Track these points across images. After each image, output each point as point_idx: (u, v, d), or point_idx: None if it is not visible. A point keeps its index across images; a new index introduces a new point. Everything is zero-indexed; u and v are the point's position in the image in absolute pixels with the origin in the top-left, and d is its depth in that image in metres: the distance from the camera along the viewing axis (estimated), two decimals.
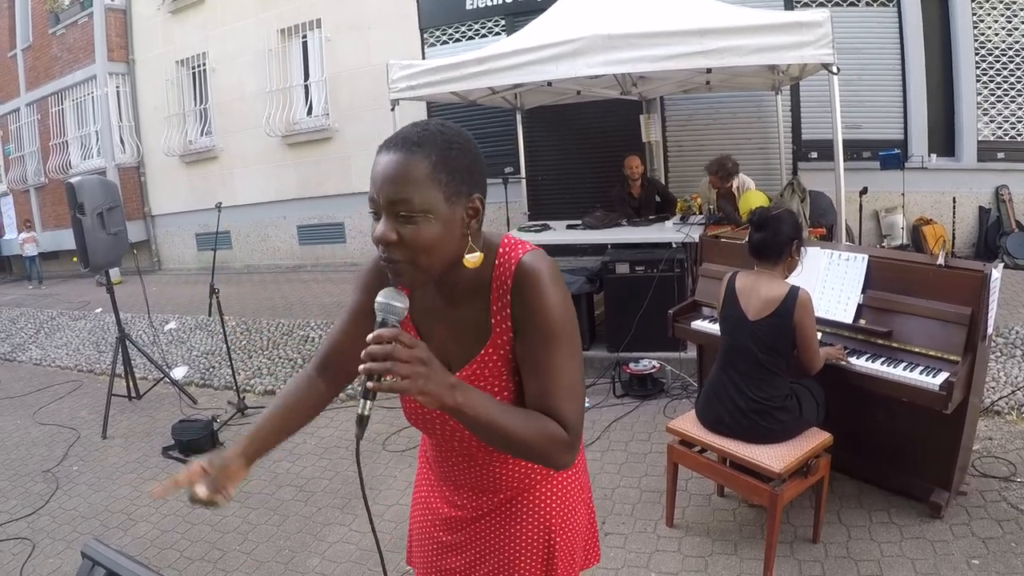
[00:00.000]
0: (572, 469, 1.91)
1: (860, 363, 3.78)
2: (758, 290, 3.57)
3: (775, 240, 3.56)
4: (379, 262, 1.57)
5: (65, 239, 15.95)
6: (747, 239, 3.71)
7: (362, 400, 1.40)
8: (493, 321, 1.65)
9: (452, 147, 1.53)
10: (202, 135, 14.71)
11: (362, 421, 1.42)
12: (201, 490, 1.60)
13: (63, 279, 16.66)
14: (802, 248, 3.66)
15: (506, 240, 1.69)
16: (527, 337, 1.61)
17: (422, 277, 1.54)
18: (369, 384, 1.35)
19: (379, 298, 1.46)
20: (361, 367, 1.35)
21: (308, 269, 13.39)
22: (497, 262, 1.65)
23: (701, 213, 7.62)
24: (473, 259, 1.57)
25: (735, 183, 7.76)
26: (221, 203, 6.80)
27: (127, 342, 6.80)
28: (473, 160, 1.58)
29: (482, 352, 1.67)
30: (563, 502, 1.89)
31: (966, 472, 4.09)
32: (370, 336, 1.37)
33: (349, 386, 1.97)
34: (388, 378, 1.35)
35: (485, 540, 1.90)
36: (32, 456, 6.04)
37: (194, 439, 5.63)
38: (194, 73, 14.55)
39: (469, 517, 1.90)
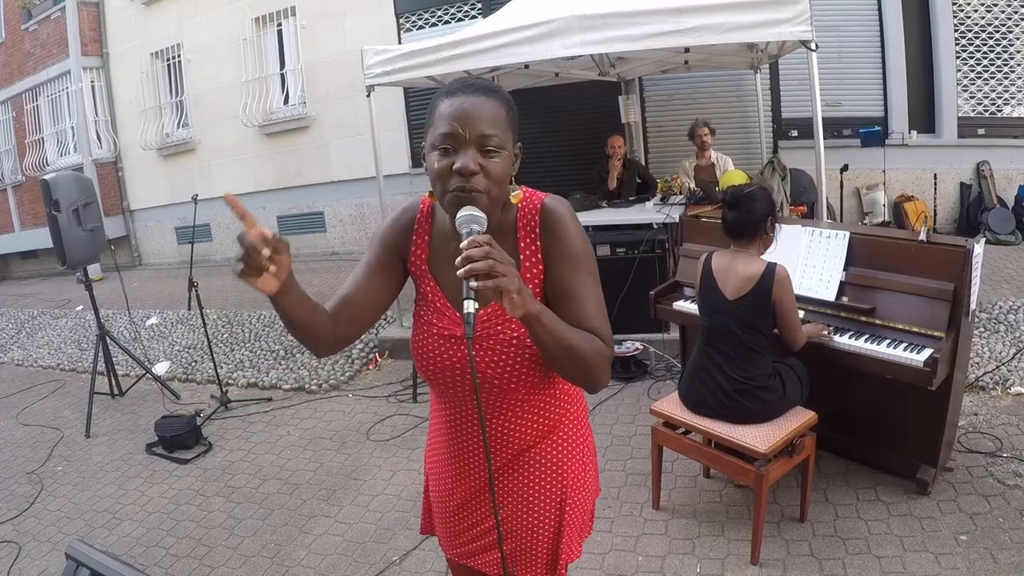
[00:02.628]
0: (580, 426, 2.03)
1: (843, 341, 3.77)
2: (735, 269, 3.55)
3: (749, 218, 3.55)
4: (448, 193, 1.66)
5: (43, 238, 15.77)
6: (721, 218, 3.69)
7: (467, 301, 1.47)
8: (522, 257, 1.81)
9: (511, 101, 1.76)
10: (179, 127, 14.54)
11: (469, 319, 1.48)
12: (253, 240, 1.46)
13: (44, 278, 16.54)
14: (776, 224, 3.65)
15: (524, 190, 1.86)
16: (560, 267, 1.79)
17: (490, 206, 1.68)
18: (473, 284, 1.44)
19: (461, 213, 1.60)
20: (461, 271, 1.45)
21: None
22: (520, 206, 1.83)
23: (681, 193, 7.61)
24: (516, 195, 1.82)
25: (713, 156, 7.76)
26: (197, 195, 6.74)
27: (108, 339, 6.75)
28: (517, 116, 1.79)
29: None
30: (577, 456, 2.00)
31: (952, 448, 4.10)
32: (464, 243, 1.48)
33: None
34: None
35: (501, 495, 1.98)
36: (16, 458, 6.00)
37: (177, 435, 5.60)
38: (169, 65, 14.37)
39: (483, 477, 1.97)
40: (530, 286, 1.76)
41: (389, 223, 1.98)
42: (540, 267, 1.81)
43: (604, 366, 1.74)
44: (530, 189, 1.88)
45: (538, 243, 1.81)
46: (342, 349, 2.01)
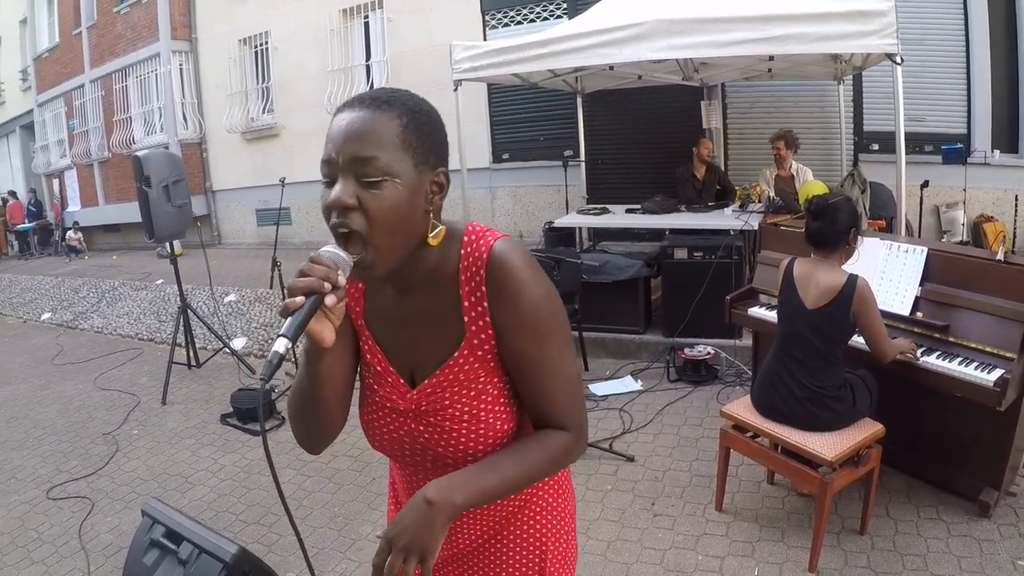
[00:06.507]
0: (560, 491, 1.73)
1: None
2: (816, 278, 3.56)
3: (832, 229, 3.54)
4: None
5: (127, 212, 16.30)
6: (804, 227, 3.71)
7: (280, 339, 1.18)
8: (467, 319, 1.46)
9: (422, 112, 1.38)
10: (264, 113, 14.88)
11: (273, 359, 1.17)
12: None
13: (124, 251, 17.01)
14: (859, 236, 3.65)
15: (471, 227, 1.48)
16: (516, 337, 1.43)
17: (381, 261, 1.33)
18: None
19: (321, 250, 1.27)
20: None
21: None
22: (463, 252, 1.45)
23: (760, 201, 7.60)
24: (436, 234, 1.40)
25: (793, 167, 7.73)
26: (285, 178, 6.92)
27: (189, 312, 6.96)
28: (442, 132, 1.43)
29: (455, 354, 1.47)
30: (557, 527, 1.70)
31: (1016, 473, 4.04)
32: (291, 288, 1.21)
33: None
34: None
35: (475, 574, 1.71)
36: (93, 419, 6.23)
37: (252, 407, 5.77)
38: (256, 52, 14.73)
39: (453, 555, 1.70)
40: (478, 353, 1.47)
41: None
42: (490, 331, 1.45)
43: (564, 459, 1.49)
44: (479, 227, 1.49)
45: (486, 303, 1.43)
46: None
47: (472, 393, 1.48)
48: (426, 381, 1.50)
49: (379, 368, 1.56)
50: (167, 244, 6.92)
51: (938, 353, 3.74)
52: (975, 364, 3.59)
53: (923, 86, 8.94)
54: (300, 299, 1.19)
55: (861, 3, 5.29)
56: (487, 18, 11.59)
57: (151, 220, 6.32)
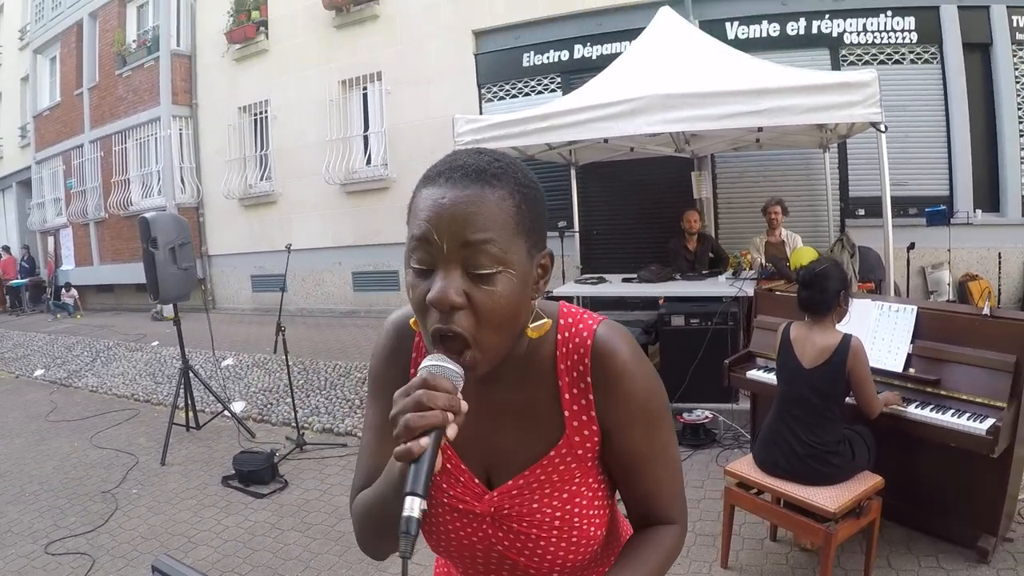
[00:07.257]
0: None
1: (910, 410, 3.90)
2: (812, 339, 3.72)
3: (822, 297, 3.72)
4: (428, 335, 1.14)
5: (121, 273, 16.38)
6: (796, 295, 3.87)
7: (410, 498, 1.01)
8: (567, 414, 1.29)
9: (532, 186, 1.20)
10: (262, 180, 15.07)
11: (409, 527, 1.00)
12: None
13: (117, 311, 17.03)
14: (849, 297, 3.82)
15: (566, 310, 1.33)
16: (628, 434, 1.28)
17: (486, 361, 1.14)
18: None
19: (426, 362, 1.09)
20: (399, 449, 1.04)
21: (362, 315, 13.54)
22: (560, 338, 1.29)
23: (752, 268, 7.75)
24: (538, 326, 1.23)
25: (783, 234, 7.91)
26: (291, 245, 7.00)
27: (190, 374, 6.99)
28: (545, 207, 1.25)
29: (551, 453, 1.30)
30: None
31: (1012, 520, 4.16)
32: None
33: None
34: None
35: None
36: (90, 477, 6.18)
37: (255, 470, 5.75)
38: (256, 119, 14.98)
39: None
40: (578, 452, 1.30)
41: (381, 360, 1.41)
42: (595, 427, 1.29)
43: (677, 554, 1.36)
44: (573, 308, 1.33)
45: (591, 396, 1.27)
46: None
47: (565, 495, 1.31)
48: (511, 482, 1.32)
49: (449, 465, 1.36)
50: (166, 306, 6.98)
51: (932, 406, 3.88)
52: (967, 415, 3.73)
53: (905, 151, 9.23)
54: (425, 441, 1.03)
55: (846, 75, 5.53)
56: (483, 91, 11.88)
57: (156, 281, 6.38)
